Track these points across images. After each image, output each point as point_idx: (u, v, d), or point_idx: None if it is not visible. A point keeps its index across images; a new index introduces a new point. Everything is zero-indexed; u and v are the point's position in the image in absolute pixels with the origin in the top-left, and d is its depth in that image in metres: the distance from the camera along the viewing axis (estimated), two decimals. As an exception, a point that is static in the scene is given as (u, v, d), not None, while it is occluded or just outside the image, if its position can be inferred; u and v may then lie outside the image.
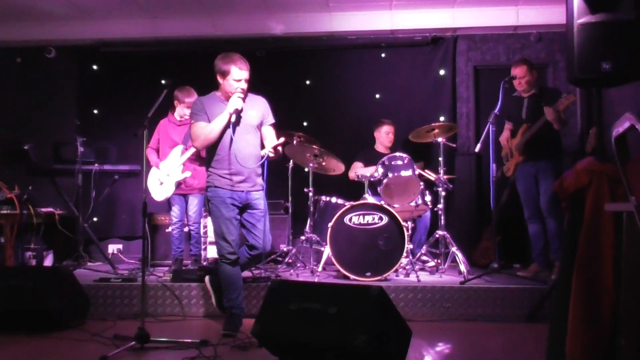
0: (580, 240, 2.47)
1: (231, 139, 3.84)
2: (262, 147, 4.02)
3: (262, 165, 4.10)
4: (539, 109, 4.75)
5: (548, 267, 4.89)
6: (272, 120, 4.10)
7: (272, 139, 4.01)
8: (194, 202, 5.36)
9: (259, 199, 4.00)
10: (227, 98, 3.91)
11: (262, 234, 4.00)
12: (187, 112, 5.26)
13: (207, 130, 3.82)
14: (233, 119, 3.82)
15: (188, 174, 5.23)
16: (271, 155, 3.85)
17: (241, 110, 3.88)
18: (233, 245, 3.87)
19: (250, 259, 4.09)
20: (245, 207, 3.96)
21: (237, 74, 3.84)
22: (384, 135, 5.91)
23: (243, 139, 3.91)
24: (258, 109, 4.01)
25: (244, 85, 3.89)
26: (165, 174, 5.24)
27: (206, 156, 4.07)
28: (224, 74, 3.86)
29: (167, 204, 5.47)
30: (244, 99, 3.92)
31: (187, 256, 5.59)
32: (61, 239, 6.05)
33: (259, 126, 4.03)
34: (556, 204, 4.72)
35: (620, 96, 5.11)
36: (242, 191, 3.92)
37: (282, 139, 3.89)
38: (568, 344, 2.42)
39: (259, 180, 4.04)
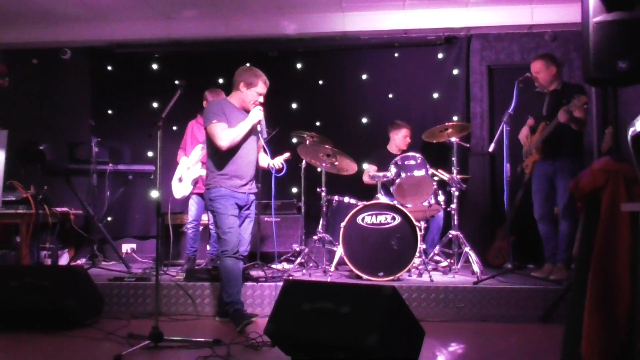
0: (596, 241, 2.45)
1: (254, 145, 4.17)
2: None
3: (280, 173, 4.30)
4: (560, 105, 4.66)
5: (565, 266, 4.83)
6: (265, 136, 4.30)
7: (262, 151, 4.36)
8: None
9: (254, 201, 4.26)
10: (242, 106, 4.16)
11: (247, 234, 4.23)
12: None
13: (235, 133, 4.03)
14: (259, 128, 4.11)
15: (204, 171, 5.26)
16: (278, 167, 4.24)
17: (261, 123, 4.14)
18: (235, 238, 4.02)
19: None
20: (242, 207, 4.17)
21: (262, 89, 4.15)
22: (401, 139, 5.89)
23: (250, 145, 4.16)
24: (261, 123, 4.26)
25: (262, 100, 4.17)
26: (184, 171, 5.31)
27: (211, 159, 4.14)
28: (250, 85, 4.11)
29: (186, 204, 5.51)
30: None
31: (202, 255, 5.61)
32: (76, 238, 6.11)
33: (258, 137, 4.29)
34: (573, 205, 4.67)
35: (637, 95, 5.04)
36: (244, 193, 4.14)
37: (287, 154, 4.29)
38: (583, 345, 2.40)
39: (255, 184, 4.29)
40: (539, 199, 4.91)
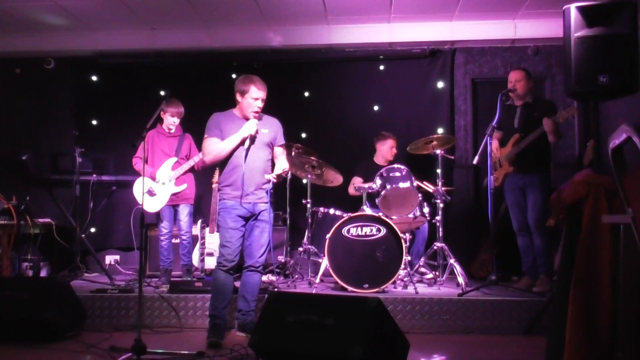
0: (578, 252, 2.47)
1: (244, 155, 4.05)
2: (273, 163, 4.26)
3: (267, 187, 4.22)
4: (532, 118, 4.75)
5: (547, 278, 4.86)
6: (282, 142, 4.32)
7: (281, 160, 4.26)
8: (184, 212, 5.37)
9: (264, 210, 4.15)
10: (244, 116, 4.12)
11: (258, 246, 4.13)
12: (173, 119, 5.36)
13: (219, 148, 4.04)
14: (246, 144, 4.03)
15: (184, 186, 5.28)
16: (274, 181, 4.13)
17: (255, 135, 4.07)
18: (232, 252, 4.01)
19: (248, 277, 4.15)
20: (250, 217, 4.12)
21: (255, 93, 4.07)
22: (388, 149, 5.90)
23: (253, 153, 4.09)
24: (271, 129, 4.22)
25: (260, 104, 4.11)
26: (158, 186, 5.25)
27: (218, 170, 4.23)
28: (243, 93, 4.09)
29: (156, 215, 5.46)
30: (259, 119, 4.14)
31: (177, 267, 5.56)
32: (58, 249, 6.03)
33: (270, 144, 4.22)
34: (544, 219, 4.72)
35: (617, 109, 5.13)
36: (249, 203, 4.08)
37: (286, 167, 4.18)
38: (566, 356, 2.41)
39: (266, 193, 4.17)
40: (515, 212, 4.95)
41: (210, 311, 4.03)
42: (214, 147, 4.05)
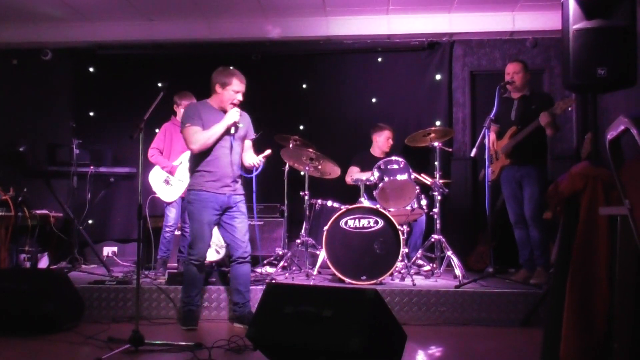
0: (575, 244, 2.48)
1: (227, 145, 4.12)
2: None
3: (251, 173, 4.31)
4: (529, 111, 4.75)
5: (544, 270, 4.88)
6: (253, 136, 4.39)
7: (250, 152, 4.33)
8: None
9: (240, 202, 4.22)
10: (221, 108, 4.15)
11: (243, 236, 4.19)
12: None
13: (206, 135, 4.03)
14: (232, 130, 4.10)
15: None
16: (259, 165, 4.19)
17: (238, 124, 4.12)
18: (205, 247, 4.14)
19: (238, 269, 4.20)
20: (226, 210, 4.16)
21: (237, 86, 4.12)
22: (384, 141, 5.91)
23: (228, 145, 4.14)
24: (245, 123, 4.26)
25: (241, 98, 4.15)
26: (177, 179, 5.29)
27: (193, 160, 4.20)
28: (225, 85, 4.11)
29: (165, 205, 5.46)
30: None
31: (172, 259, 5.57)
32: (56, 241, 6.03)
33: (243, 138, 4.27)
34: (540, 212, 4.73)
35: (615, 101, 5.13)
36: (225, 194, 4.11)
37: (269, 151, 4.23)
38: (562, 348, 2.43)
39: (240, 185, 4.27)
40: (512, 205, 4.96)
41: (183, 299, 4.21)
42: (201, 135, 4.03)
